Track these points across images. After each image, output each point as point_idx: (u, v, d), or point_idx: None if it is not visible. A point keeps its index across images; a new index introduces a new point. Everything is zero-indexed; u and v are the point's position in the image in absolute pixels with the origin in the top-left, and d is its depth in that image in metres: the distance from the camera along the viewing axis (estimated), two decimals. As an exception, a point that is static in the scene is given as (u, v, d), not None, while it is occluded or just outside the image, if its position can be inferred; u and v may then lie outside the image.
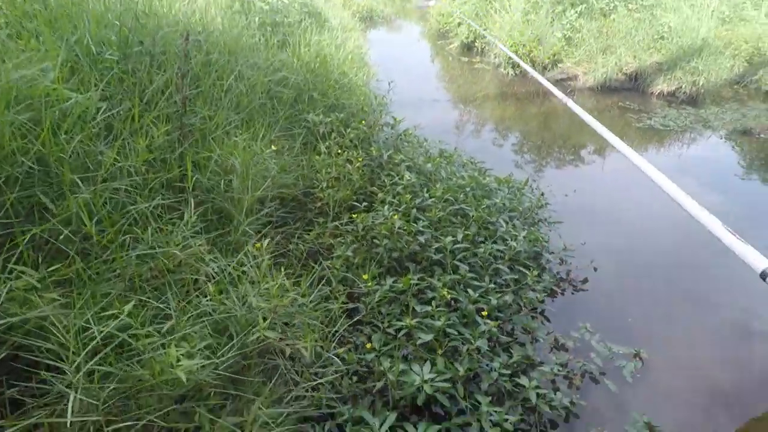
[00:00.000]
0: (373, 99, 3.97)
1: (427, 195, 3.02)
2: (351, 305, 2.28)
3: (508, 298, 2.49)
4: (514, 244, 2.77)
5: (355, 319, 2.20)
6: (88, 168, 1.73)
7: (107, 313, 1.38)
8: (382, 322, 2.15)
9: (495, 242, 2.84)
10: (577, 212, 3.88)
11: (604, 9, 8.67)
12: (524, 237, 2.89)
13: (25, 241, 1.39)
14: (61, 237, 1.45)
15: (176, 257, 1.69)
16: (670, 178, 2.51)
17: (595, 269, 3.14)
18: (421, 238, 2.57)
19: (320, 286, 2.07)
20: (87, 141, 1.81)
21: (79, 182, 1.58)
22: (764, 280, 1.31)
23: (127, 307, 1.37)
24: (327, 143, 3.15)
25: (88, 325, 1.31)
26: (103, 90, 2.13)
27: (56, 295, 1.35)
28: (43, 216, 1.58)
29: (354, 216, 2.71)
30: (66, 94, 1.92)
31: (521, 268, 2.77)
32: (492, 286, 2.47)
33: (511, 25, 8.92)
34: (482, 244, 2.71)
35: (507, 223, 3.03)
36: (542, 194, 3.58)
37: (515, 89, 8.11)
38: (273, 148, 2.46)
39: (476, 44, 10.17)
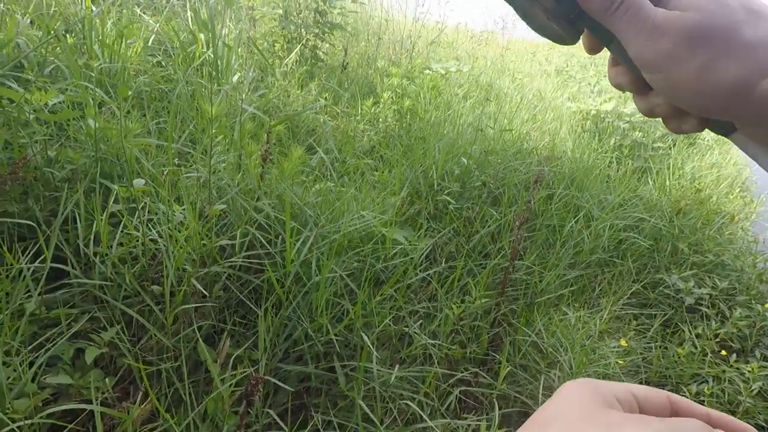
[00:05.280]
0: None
1: None
2: None
3: None
4: None
5: None
6: (389, 345, 1.43)
7: None
8: None
9: None
10: None
11: None
12: None
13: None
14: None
15: None
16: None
17: None
18: None
19: None
20: (398, 303, 1.55)
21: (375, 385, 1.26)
22: None
23: None
24: (697, 329, 2.11)
25: None
26: (431, 230, 1.92)
27: None
28: None
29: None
30: (396, 239, 1.75)
31: None
32: None
33: None
34: None
35: None
36: None
37: None
38: (622, 343, 1.69)
39: None
